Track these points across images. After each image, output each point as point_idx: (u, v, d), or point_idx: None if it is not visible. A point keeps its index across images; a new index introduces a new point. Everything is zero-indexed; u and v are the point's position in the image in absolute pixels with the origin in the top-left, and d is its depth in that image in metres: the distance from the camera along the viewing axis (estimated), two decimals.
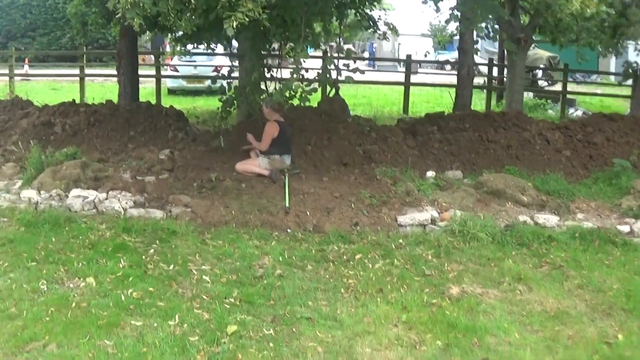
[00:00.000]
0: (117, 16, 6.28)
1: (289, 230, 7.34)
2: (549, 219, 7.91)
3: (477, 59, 24.45)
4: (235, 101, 9.28)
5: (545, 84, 21.28)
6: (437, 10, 10.35)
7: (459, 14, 10.27)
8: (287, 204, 7.67)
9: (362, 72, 9.71)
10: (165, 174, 8.47)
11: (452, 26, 12.04)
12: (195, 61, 18.45)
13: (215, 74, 18.91)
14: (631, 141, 11.24)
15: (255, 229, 7.28)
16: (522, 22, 12.66)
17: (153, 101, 13.03)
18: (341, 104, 10.54)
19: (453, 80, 20.66)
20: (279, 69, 10.44)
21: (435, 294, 5.84)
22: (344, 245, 6.97)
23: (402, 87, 17.76)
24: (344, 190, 8.42)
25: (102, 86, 18.15)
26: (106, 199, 7.57)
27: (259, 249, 6.74)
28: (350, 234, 7.28)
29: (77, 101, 12.75)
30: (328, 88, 10.44)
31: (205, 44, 13.09)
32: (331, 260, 6.55)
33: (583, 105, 19.65)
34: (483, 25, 9.88)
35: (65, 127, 10.33)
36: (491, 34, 12.12)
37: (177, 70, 19.33)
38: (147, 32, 11.86)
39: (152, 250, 6.46)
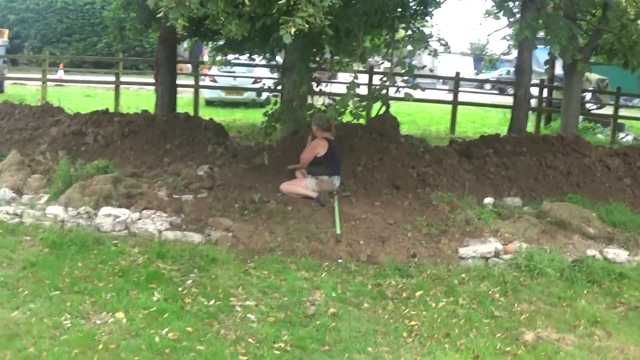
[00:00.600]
0: (158, 16, 5.59)
1: (340, 261, 6.62)
2: (618, 254, 7.22)
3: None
4: (281, 116, 8.59)
5: (594, 107, 20.36)
6: (510, 24, 9.55)
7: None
8: (338, 232, 6.94)
9: (423, 89, 8.96)
10: (204, 193, 7.79)
11: (497, 46, 11.25)
12: (234, 72, 17.81)
13: (256, 85, 18.45)
14: None
15: (303, 258, 6.57)
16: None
17: (190, 112, 12.43)
18: (393, 123, 9.79)
19: (496, 99, 19.93)
20: (328, 83, 9.73)
21: (509, 340, 5.15)
22: (402, 280, 6.25)
23: (446, 106, 16.97)
24: (398, 216, 7.68)
25: (138, 95, 17.62)
26: (139, 219, 6.89)
27: (308, 281, 6.01)
28: (408, 267, 6.57)
29: (112, 110, 12.17)
30: (377, 105, 9.70)
31: (248, 54, 12.50)
32: (389, 297, 5.83)
33: (632, 130, 18.73)
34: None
35: (98, 137, 9.74)
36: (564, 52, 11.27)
37: (215, 81, 18.69)
38: (187, 39, 11.27)
39: (190, 281, 5.75)
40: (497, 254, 7.02)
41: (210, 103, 17.98)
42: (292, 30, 5.12)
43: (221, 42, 11.94)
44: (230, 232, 6.82)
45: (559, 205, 8.39)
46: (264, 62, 13.67)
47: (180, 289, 5.56)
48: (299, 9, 5.10)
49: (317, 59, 8.67)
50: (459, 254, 6.96)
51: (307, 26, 5.19)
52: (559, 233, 7.72)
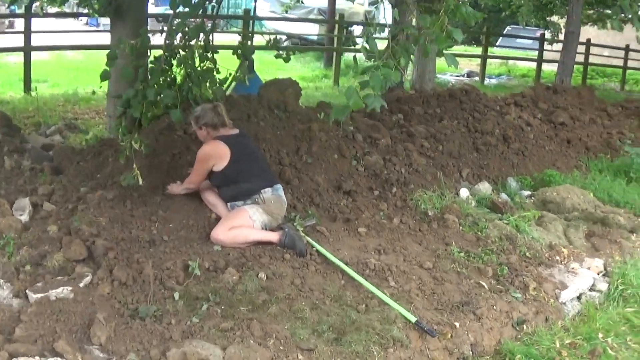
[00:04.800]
0: None
1: None
2: None
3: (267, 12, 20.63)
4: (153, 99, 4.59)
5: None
6: None
7: None
8: (412, 318, 3.68)
9: None
10: (87, 275, 3.73)
11: None
12: None
13: None
14: (594, 119, 9.20)
15: None
16: None
17: None
18: (295, 89, 6.41)
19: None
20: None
21: None
22: None
23: None
24: (418, 251, 4.73)
25: None
26: None
27: None
28: (528, 344, 3.81)
29: None
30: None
31: None
32: None
33: None
34: None
35: None
36: None
37: None
38: None
39: None
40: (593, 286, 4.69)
41: None
42: None
43: None
44: None
45: (558, 190, 6.31)
46: None
47: None
48: None
49: None
50: (559, 300, 4.33)
51: None
52: (604, 232, 5.55)
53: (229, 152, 4.58)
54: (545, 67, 17.76)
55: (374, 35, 4.21)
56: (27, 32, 10.23)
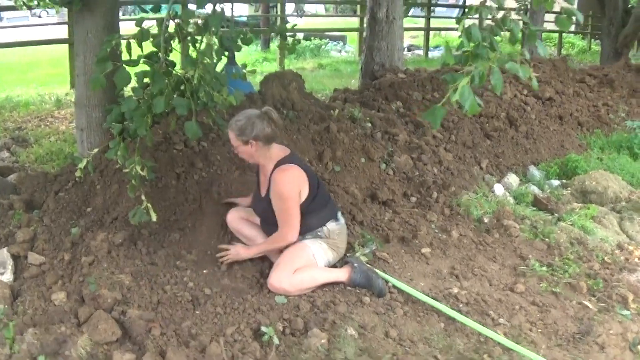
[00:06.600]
0: None
1: None
2: None
3: None
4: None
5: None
6: None
7: None
8: None
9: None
10: None
11: None
12: None
13: None
14: (577, 91, 8.72)
15: None
16: None
17: None
18: (299, 82, 5.49)
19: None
20: None
21: None
22: None
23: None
24: (494, 270, 4.12)
25: None
26: None
27: None
28: None
29: None
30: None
31: None
32: None
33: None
34: None
35: None
36: None
37: None
38: None
39: None
40: None
41: None
42: None
43: None
44: None
45: (596, 178, 5.78)
46: None
47: None
48: None
49: None
50: None
51: None
52: None
53: (307, 179, 3.62)
54: None
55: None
56: None
